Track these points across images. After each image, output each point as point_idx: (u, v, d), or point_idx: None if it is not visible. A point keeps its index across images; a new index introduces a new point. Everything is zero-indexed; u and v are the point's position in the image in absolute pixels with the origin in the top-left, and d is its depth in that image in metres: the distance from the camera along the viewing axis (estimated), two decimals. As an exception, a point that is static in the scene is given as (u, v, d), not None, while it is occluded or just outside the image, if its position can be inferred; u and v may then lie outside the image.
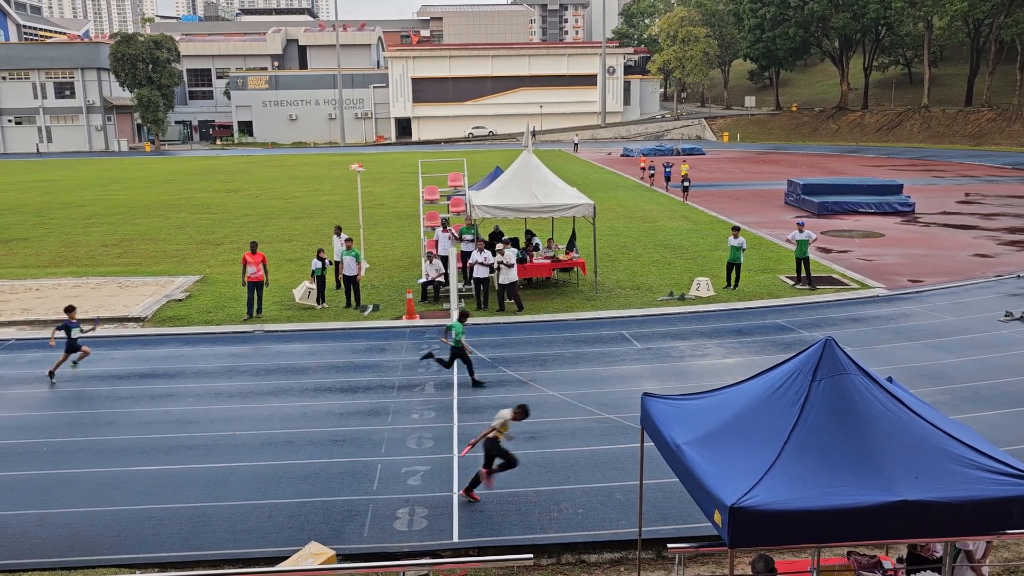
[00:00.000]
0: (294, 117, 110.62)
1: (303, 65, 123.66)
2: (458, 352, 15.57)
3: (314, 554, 9.15)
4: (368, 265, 26.65)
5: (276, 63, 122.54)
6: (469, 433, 13.41)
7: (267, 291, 21.70)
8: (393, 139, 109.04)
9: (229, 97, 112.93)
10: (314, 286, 21.77)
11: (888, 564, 8.36)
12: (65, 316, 16.60)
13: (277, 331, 19.82)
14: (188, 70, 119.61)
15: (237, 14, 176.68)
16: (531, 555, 8.66)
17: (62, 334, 16.35)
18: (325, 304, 21.76)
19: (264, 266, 20.83)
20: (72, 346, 16.44)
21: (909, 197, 38.86)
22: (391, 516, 10.79)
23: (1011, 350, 17.44)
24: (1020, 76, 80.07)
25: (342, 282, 22.16)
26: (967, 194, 44.49)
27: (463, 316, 15.86)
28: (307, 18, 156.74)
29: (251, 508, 11.03)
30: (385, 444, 13.11)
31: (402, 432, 13.58)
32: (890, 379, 7.84)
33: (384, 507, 11.04)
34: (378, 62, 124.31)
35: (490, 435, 10.92)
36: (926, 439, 6.73)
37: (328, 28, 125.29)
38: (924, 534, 6.43)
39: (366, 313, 21.18)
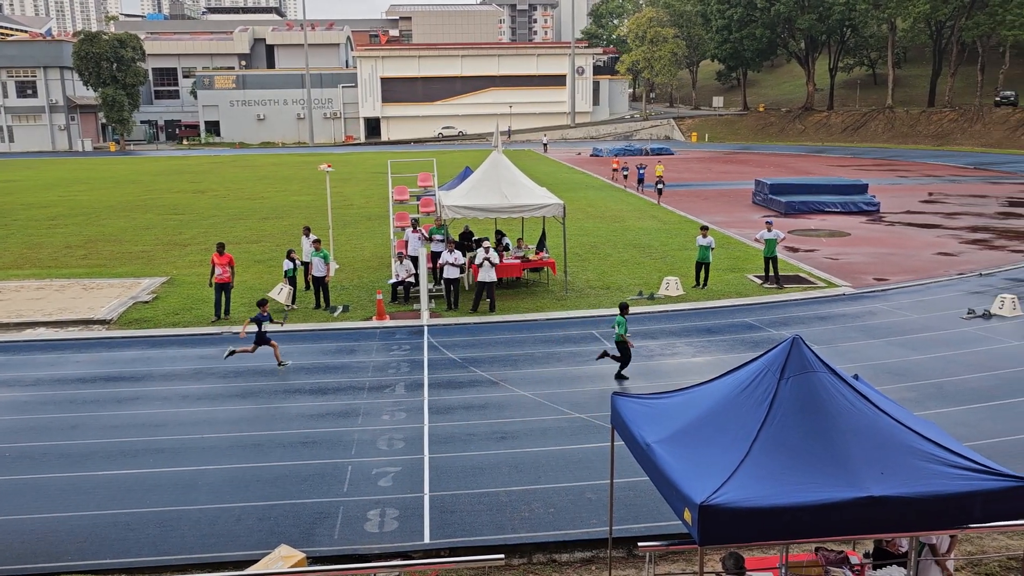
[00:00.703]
0: (262, 117, 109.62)
1: (271, 64, 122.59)
2: (620, 346, 15.91)
3: (284, 557, 9.07)
4: (337, 266, 26.48)
5: (243, 62, 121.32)
6: (440, 434, 13.39)
7: (235, 292, 21.48)
8: (362, 139, 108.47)
9: (196, 97, 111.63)
10: (290, 287, 21.57)
11: (855, 559, 8.47)
12: (258, 309, 16.76)
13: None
14: (153, 69, 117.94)
15: (203, 13, 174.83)
16: (502, 555, 8.65)
17: (254, 327, 16.60)
18: (295, 306, 21.58)
19: (231, 267, 20.61)
20: (262, 339, 16.65)
21: (874, 197, 39.43)
22: (362, 518, 10.74)
23: (974, 347, 17.76)
24: (981, 77, 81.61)
25: (311, 283, 21.99)
26: (930, 193, 45.24)
27: (624, 308, 16.06)
28: (275, 17, 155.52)
29: (220, 512, 10.92)
30: (356, 446, 13.03)
31: (373, 433, 13.51)
32: (856, 376, 7.95)
33: (355, 509, 10.98)
34: (347, 62, 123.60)
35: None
36: (892, 436, 6.83)
37: (296, 27, 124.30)
38: (890, 529, 6.52)
39: (336, 314, 21.05)
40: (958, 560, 9.61)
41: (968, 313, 20.32)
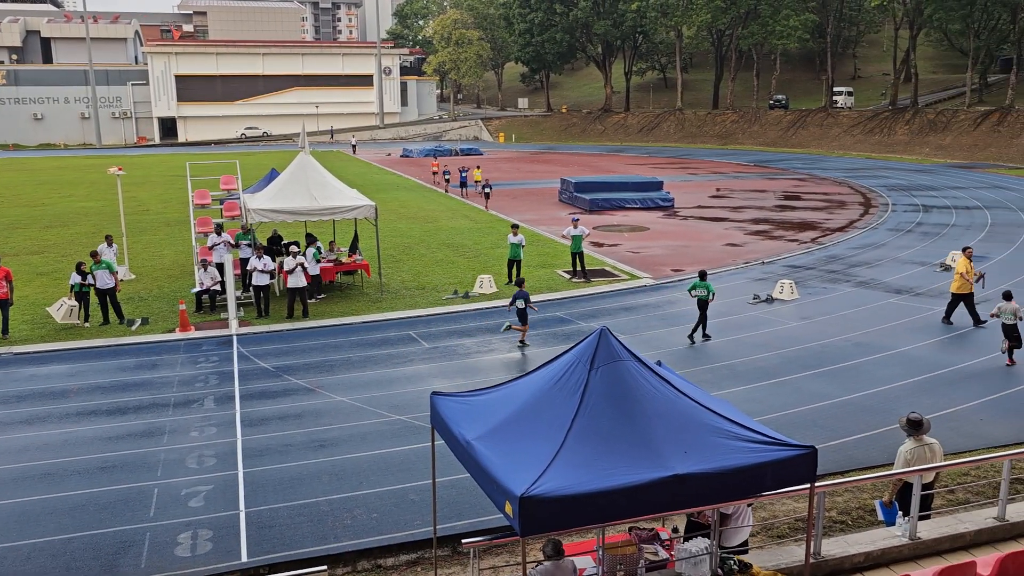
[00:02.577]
0: (39, 116, 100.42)
1: (48, 59, 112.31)
2: (703, 306, 18.25)
3: (84, 594, 8.38)
4: (133, 276, 24.78)
5: (15, 56, 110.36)
6: (254, 447, 12.88)
7: (14, 309, 19.56)
8: (157, 140, 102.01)
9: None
10: (76, 303, 19.84)
11: (664, 535, 9.00)
12: (517, 288, 18.36)
13: (29, 352, 17.91)
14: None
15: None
16: (325, 567, 8.44)
17: (521, 303, 17.93)
18: (87, 323, 19.93)
19: (9, 282, 18.77)
20: (523, 316, 18.07)
21: (669, 193, 41.98)
22: (172, 542, 10.12)
23: (759, 329, 19.37)
24: (757, 82, 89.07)
25: (98, 296, 20.21)
26: (718, 189, 48.80)
27: (703, 275, 18.35)
28: (50, 7, 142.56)
29: (5, 552, 9.90)
30: (162, 466, 12.25)
31: (180, 452, 12.76)
32: (659, 362, 8.43)
33: (163, 533, 10.32)
34: (136, 58, 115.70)
35: (1007, 322, 16.18)
36: (692, 416, 7.31)
37: (76, 19, 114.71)
38: (695, 503, 6.98)
39: (134, 328, 19.68)
40: (754, 526, 10.45)
41: (753, 298, 22.12)
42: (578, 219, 25.46)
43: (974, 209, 38.60)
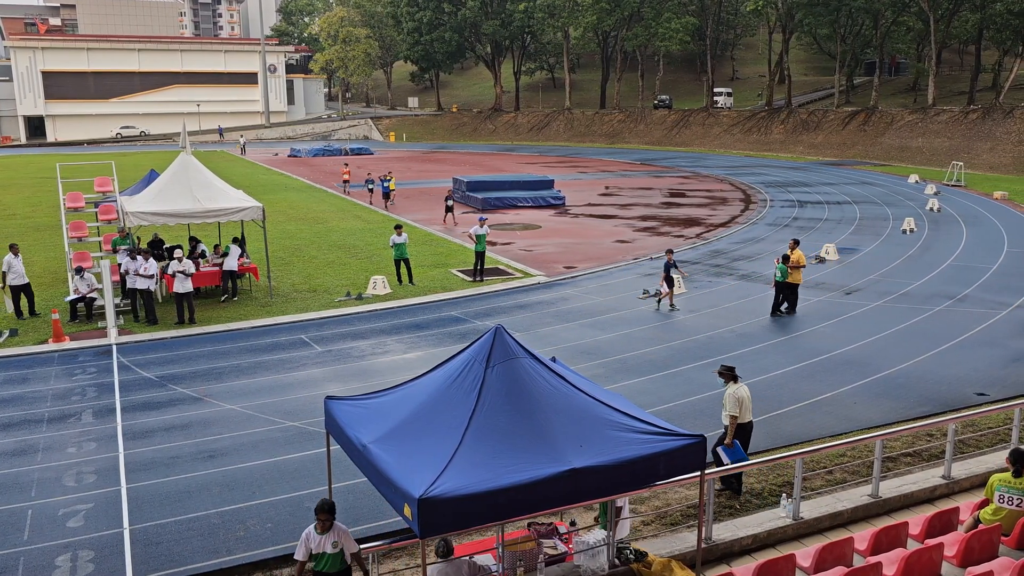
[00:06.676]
0: None
1: None
2: (782, 287, 19.82)
3: (-49, 627, 7.82)
4: None
5: None
6: (138, 461, 12.33)
7: None
8: (23, 140, 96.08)
9: None
10: None
11: (563, 528, 9.14)
12: (666, 256, 20.97)
13: None
14: None
15: None
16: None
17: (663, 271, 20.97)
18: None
19: None
20: (671, 280, 20.82)
21: (560, 191, 42.57)
22: (49, 566, 9.56)
23: (649, 323, 19.88)
24: (641, 83, 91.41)
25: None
26: (607, 187, 49.81)
27: (786, 259, 19.88)
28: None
29: None
30: (36, 486, 11.55)
31: (57, 470, 12.06)
32: (554, 359, 8.54)
33: (39, 557, 9.74)
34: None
35: None
36: (587, 410, 7.44)
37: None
38: (592, 496, 7.12)
39: (0, 340, 18.49)
40: (648, 514, 10.73)
41: (643, 293, 22.69)
42: (485, 219, 25.51)
43: (844, 204, 40.80)
